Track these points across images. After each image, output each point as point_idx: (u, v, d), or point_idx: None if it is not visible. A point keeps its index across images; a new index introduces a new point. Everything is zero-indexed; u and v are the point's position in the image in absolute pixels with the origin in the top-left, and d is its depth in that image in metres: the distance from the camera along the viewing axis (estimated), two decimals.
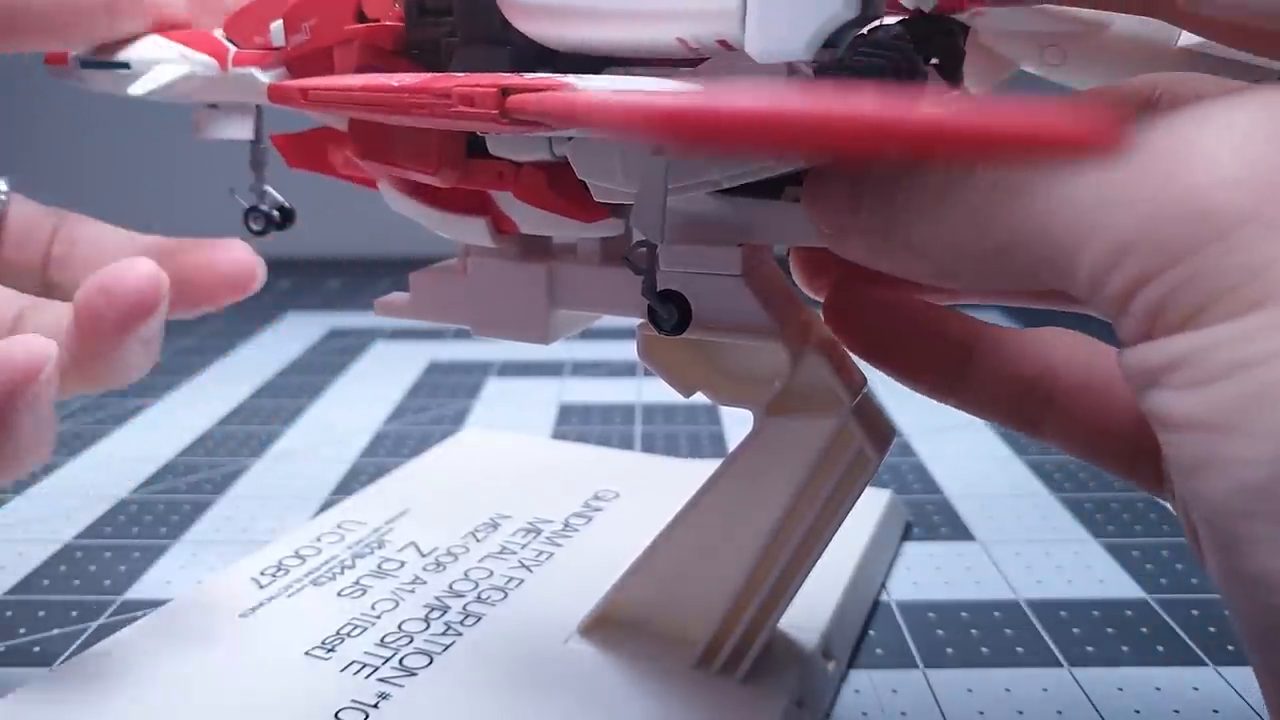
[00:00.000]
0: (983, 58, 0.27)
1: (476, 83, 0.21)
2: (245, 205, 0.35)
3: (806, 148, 0.13)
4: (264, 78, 0.30)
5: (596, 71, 0.24)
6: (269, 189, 0.36)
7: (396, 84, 0.22)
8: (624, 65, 0.24)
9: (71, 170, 1.05)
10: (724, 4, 0.21)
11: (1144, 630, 0.35)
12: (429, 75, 0.23)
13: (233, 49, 0.32)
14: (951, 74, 0.24)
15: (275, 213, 0.36)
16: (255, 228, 0.35)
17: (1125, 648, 0.34)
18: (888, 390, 0.61)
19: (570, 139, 0.25)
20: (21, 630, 0.36)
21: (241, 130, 0.35)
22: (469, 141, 0.27)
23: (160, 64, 0.32)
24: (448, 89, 0.21)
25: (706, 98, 0.15)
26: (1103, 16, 0.24)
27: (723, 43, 0.22)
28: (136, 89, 0.32)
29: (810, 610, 0.32)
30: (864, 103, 0.13)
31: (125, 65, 0.32)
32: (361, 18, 0.28)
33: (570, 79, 0.21)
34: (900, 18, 0.22)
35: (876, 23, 0.21)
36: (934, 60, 0.23)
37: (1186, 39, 0.23)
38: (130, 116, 1.03)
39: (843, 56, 0.21)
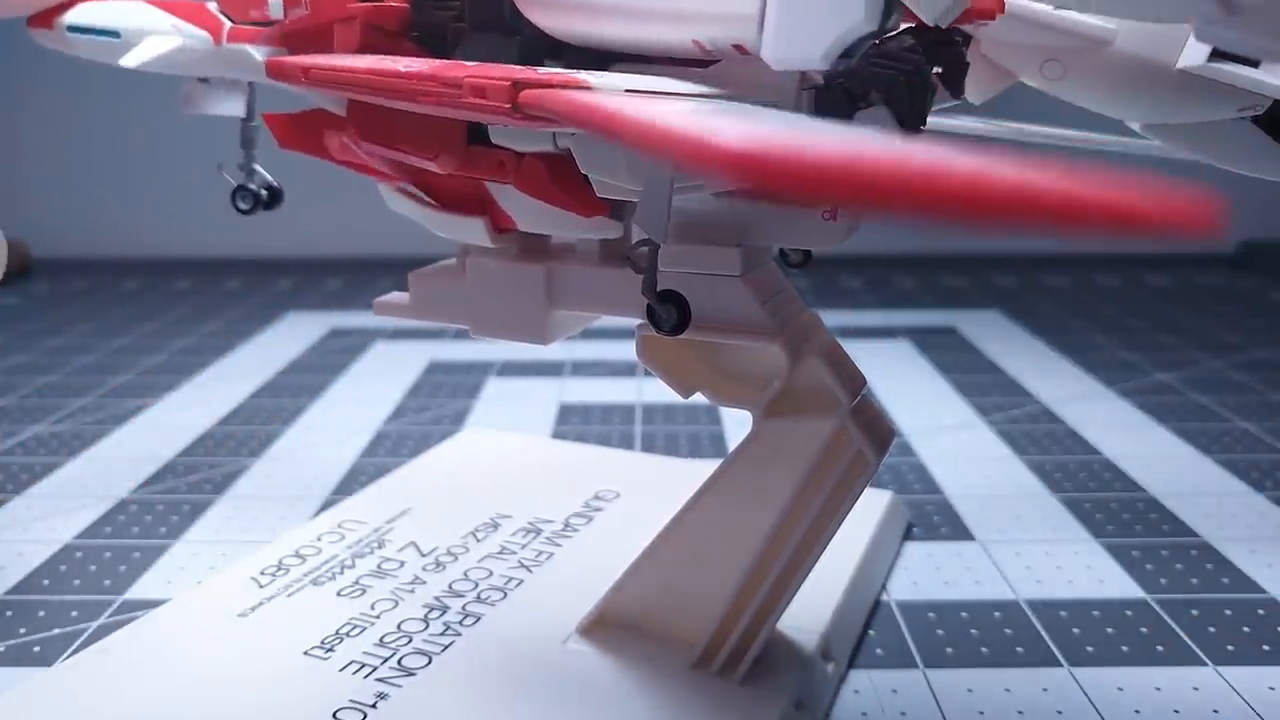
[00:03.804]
0: (983, 68, 0.27)
1: (488, 75, 0.20)
2: (233, 183, 0.35)
3: (893, 208, 0.12)
4: (259, 55, 0.30)
5: (604, 66, 0.24)
6: (258, 168, 0.35)
7: (404, 69, 0.22)
8: (632, 61, 0.24)
9: (65, 140, 1.05)
10: (742, 9, 0.21)
11: (1144, 630, 0.35)
12: (438, 63, 0.22)
13: (228, 24, 0.31)
14: (954, 84, 0.24)
15: (263, 192, 0.35)
16: (243, 206, 0.34)
17: (1125, 648, 0.34)
18: (887, 391, 0.62)
19: (574, 133, 0.25)
20: (21, 630, 0.36)
21: (233, 107, 0.34)
22: (470, 129, 0.27)
23: (152, 35, 0.31)
24: (458, 79, 0.21)
25: (780, 137, 0.14)
26: (1105, 33, 0.24)
27: (738, 47, 0.22)
28: (128, 61, 0.31)
29: (810, 611, 0.32)
30: (954, 163, 0.12)
31: (115, 34, 0.31)
32: None
33: (585, 76, 0.20)
34: (906, 24, 0.22)
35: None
36: (937, 69, 0.23)
37: (1186, 60, 0.23)
38: (122, 83, 1.03)
39: (855, 66, 0.21)
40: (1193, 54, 0.23)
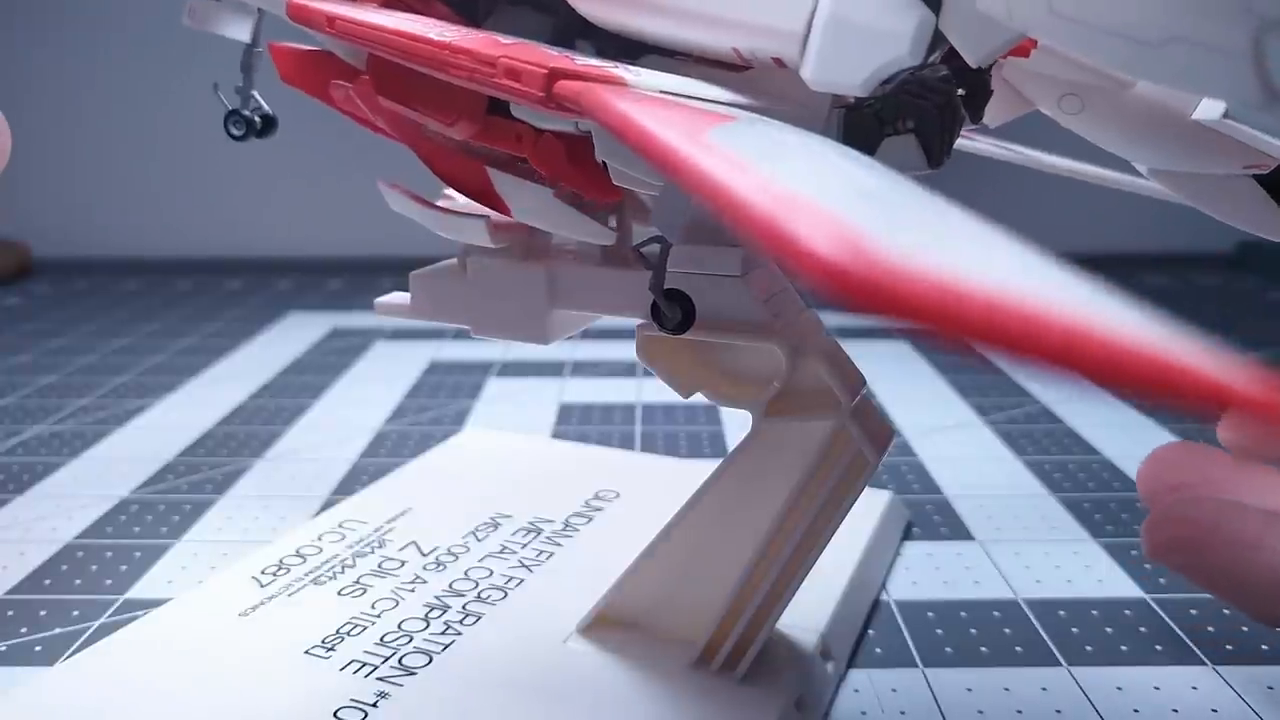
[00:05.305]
0: (1003, 94, 0.27)
1: (524, 58, 0.20)
2: (228, 107, 0.34)
3: (1018, 360, 0.12)
4: None
5: (635, 55, 0.24)
6: (255, 94, 0.34)
7: (436, 37, 0.21)
8: (664, 54, 0.24)
9: (65, 140, 1.06)
10: (788, 26, 0.21)
11: (1143, 630, 0.35)
12: (473, 36, 0.22)
13: None
14: (976, 109, 0.24)
15: (257, 119, 0.34)
16: (236, 132, 0.33)
17: (1124, 647, 0.34)
18: (887, 391, 0.62)
19: None
20: (23, 629, 0.36)
21: (238, 30, 0.32)
22: (491, 98, 0.26)
23: None
24: (493, 58, 0.20)
25: (884, 244, 0.12)
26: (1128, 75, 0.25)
27: (777, 60, 0.22)
28: None
29: (810, 611, 0.33)
30: (1093, 324, 0.12)
31: None
32: None
33: (621, 71, 0.20)
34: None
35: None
36: (961, 92, 0.23)
37: (1201, 112, 0.24)
38: (123, 82, 1.03)
39: (891, 94, 0.21)
40: (1208, 107, 0.24)
